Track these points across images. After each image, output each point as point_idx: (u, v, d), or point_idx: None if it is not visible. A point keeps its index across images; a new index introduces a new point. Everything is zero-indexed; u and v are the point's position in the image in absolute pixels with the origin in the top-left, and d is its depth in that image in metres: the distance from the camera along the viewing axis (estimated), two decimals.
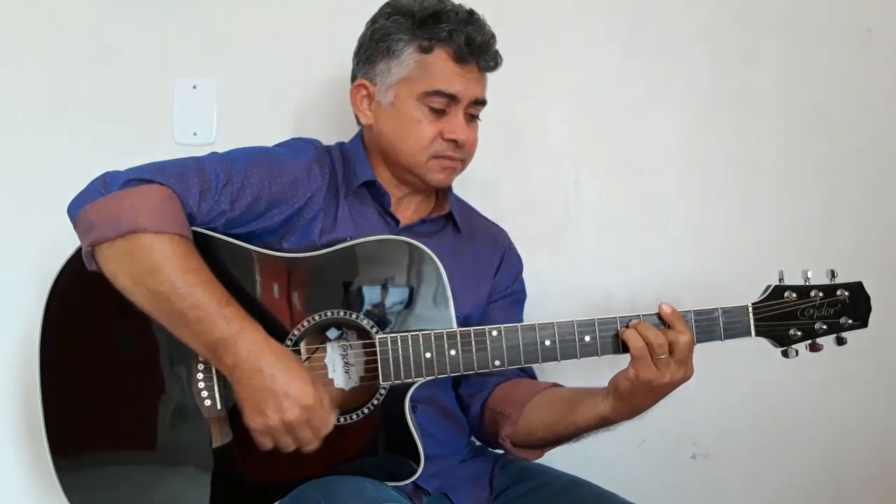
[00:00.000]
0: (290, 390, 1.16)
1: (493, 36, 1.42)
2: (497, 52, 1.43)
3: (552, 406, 1.40)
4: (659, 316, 1.28)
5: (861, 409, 1.87)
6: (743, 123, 1.87)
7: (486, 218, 1.64)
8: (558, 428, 1.38)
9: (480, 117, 1.47)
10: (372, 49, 1.42)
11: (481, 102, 1.44)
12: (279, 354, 1.18)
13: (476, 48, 1.38)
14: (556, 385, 1.47)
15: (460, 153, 1.42)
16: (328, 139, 1.52)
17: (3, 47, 1.76)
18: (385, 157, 1.45)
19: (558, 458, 1.54)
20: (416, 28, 1.38)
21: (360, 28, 1.48)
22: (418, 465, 1.30)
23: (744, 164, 1.87)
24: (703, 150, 1.87)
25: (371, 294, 1.30)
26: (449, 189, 1.53)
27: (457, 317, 1.31)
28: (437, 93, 1.38)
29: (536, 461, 1.53)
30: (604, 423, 1.34)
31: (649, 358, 1.24)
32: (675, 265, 1.84)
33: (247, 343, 1.16)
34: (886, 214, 1.89)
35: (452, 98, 1.39)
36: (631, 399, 1.28)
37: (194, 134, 1.79)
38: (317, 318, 1.28)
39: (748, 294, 1.33)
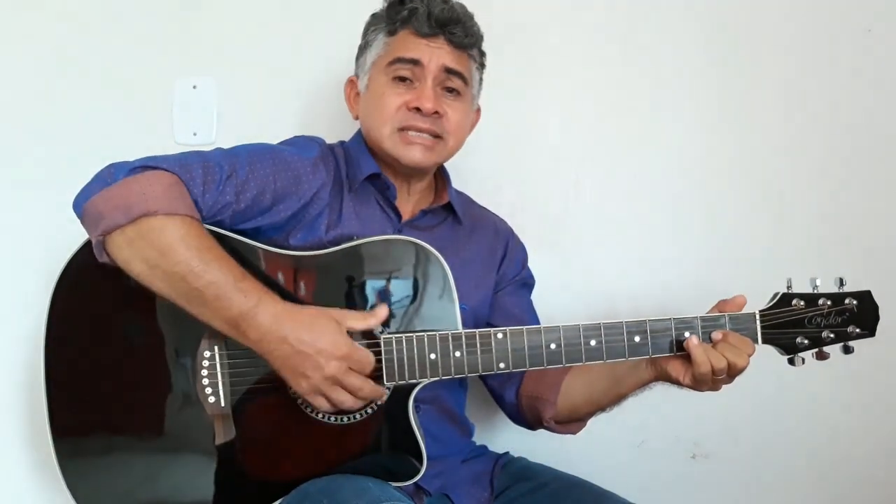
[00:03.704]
0: (321, 346, 1.16)
1: (460, 12, 1.43)
2: (470, 28, 1.44)
3: (594, 384, 1.43)
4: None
5: (861, 410, 1.87)
6: (743, 124, 1.87)
7: (485, 208, 1.65)
8: (604, 402, 1.42)
9: (479, 101, 1.52)
10: (359, 51, 1.50)
11: (456, 73, 1.43)
12: (300, 317, 1.19)
13: (437, 21, 1.40)
14: None
15: (430, 124, 1.41)
16: (328, 138, 1.52)
17: (4, 47, 1.76)
18: (369, 145, 1.47)
19: (558, 458, 1.54)
20: (385, 17, 1.45)
21: (359, 27, 1.50)
22: (421, 465, 1.30)
23: (747, 167, 1.87)
24: (705, 152, 1.87)
25: (376, 293, 1.30)
26: (447, 181, 1.55)
27: (463, 308, 1.32)
28: (398, 59, 1.41)
29: (536, 462, 1.55)
30: (646, 387, 1.38)
31: (710, 378, 1.27)
32: (679, 269, 1.84)
33: (267, 314, 1.17)
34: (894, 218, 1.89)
35: (415, 63, 1.40)
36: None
37: (194, 134, 1.79)
38: None
39: (755, 301, 1.33)
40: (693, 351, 1.26)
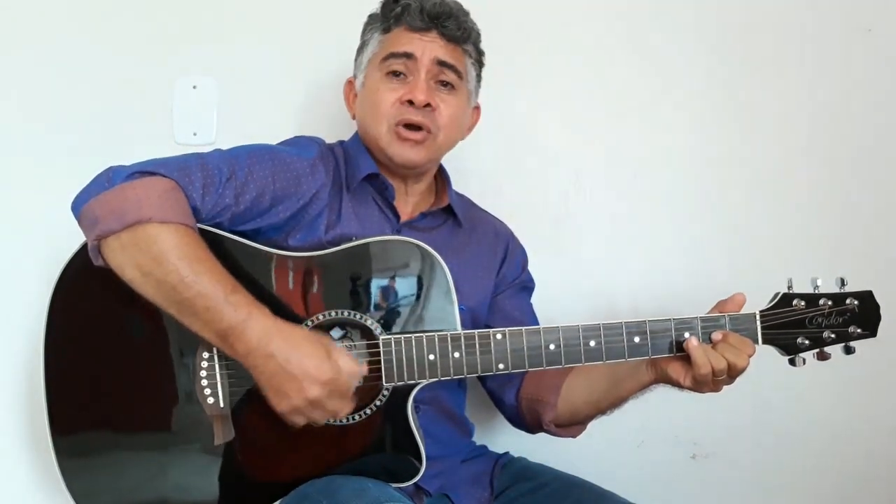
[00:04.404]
0: (306, 369, 1.16)
1: (453, 7, 1.44)
2: (463, 22, 1.45)
3: (594, 385, 1.43)
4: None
5: (862, 409, 1.87)
6: (744, 124, 1.88)
7: (485, 211, 1.65)
8: (604, 404, 1.42)
9: (477, 99, 1.53)
10: (357, 52, 1.51)
11: (449, 66, 1.44)
12: (289, 335, 1.18)
13: (430, 15, 1.41)
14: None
15: (422, 117, 1.41)
16: (328, 138, 1.53)
17: (4, 48, 1.76)
18: (366, 144, 1.47)
19: (558, 459, 1.54)
20: (380, 16, 1.47)
21: (359, 27, 1.51)
22: (420, 465, 1.30)
23: (747, 167, 1.87)
24: (706, 152, 1.87)
25: (376, 294, 1.30)
26: (447, 183, 1.54)
27: (462, 308, 1.32)
28: (392, 55, 1.42)
29: (536, 462, 1.55)
30: (646, 389, 1.38)
31: (710, 379, 1.27)
32: (679, 269, 1.84)
33: (256, 329, 1.16)
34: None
35: (408, 57, 1.41)
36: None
37: (194, 134, 1.79)
38: (321, 317, 1.28)
39: (756, 301, 1.33)
40: (693, 352, 1.26)
